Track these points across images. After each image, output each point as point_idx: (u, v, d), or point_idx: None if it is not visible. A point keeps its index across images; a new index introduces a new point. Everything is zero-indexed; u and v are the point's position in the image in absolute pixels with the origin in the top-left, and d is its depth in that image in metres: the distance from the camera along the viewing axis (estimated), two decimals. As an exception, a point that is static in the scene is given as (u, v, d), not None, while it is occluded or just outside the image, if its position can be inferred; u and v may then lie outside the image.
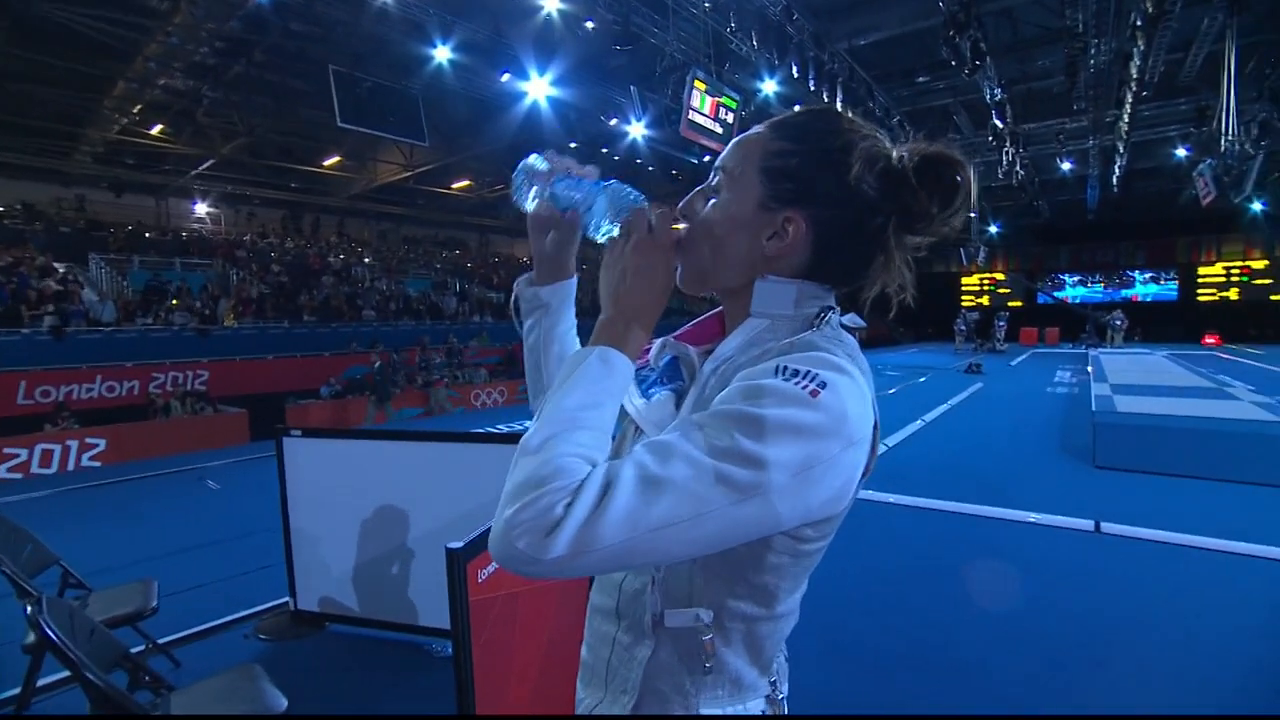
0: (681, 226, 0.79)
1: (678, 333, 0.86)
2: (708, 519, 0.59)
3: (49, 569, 2.32)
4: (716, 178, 0.79)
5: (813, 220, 0.74)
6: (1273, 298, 23.24)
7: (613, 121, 11.65)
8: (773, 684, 0.79)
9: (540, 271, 0.91)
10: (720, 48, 8.88)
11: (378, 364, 11.11)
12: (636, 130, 12.05)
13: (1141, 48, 9.32)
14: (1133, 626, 2.98)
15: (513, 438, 2.67)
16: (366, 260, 19.89)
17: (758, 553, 0.70)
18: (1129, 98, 11.31)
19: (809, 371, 0.64)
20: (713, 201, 0.79)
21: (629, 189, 0.79)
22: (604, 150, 15.00)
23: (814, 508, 0.64)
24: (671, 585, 0.73)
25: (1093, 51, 10.74)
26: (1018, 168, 16.64)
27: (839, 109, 0.84)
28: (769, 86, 10.18)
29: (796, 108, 0.80)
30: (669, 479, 0.59)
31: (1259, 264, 23.62)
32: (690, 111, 7.31)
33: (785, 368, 0.65)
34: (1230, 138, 10.55)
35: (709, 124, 7.68)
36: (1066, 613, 3.13)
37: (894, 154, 0.75)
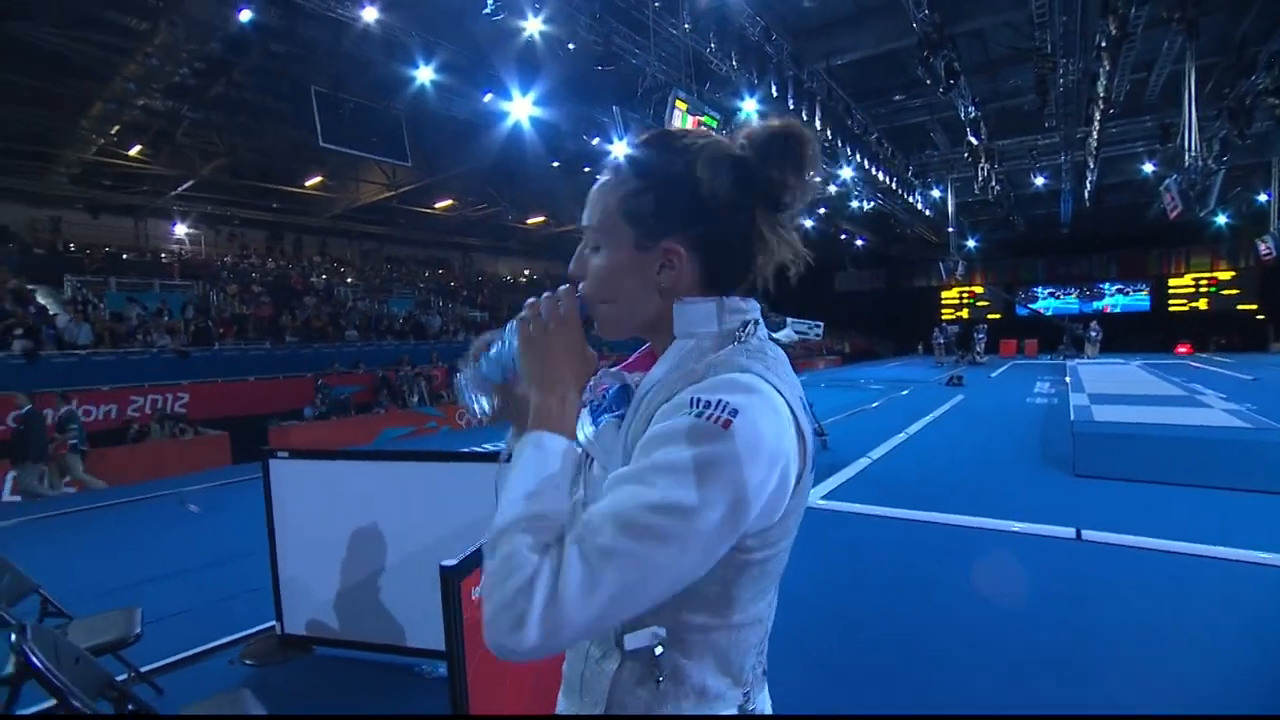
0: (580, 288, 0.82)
1: (625, 362, 0.88)
2: (658, 574, 0.63)
3: (27, 597, 2.28)
4: (588, 236, 0.81)
5: (690, 242, 0.77)
6: (1240, 307, 23.87)
7: (595, 141, 11.77)
8: (745, 694, 0.79)
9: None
10: (700, 67, 9.04)
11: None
12: (619, 149, 12.17)
13: (1107, 67, 9.63)
14: (1116, 631, 3.03)
15: (484, 456, 2.68)
16: (349, 280, 19.78)
17: None
18: (1097, 115, 11.65)
19: (719, 401, 0.66)
20: (594, 243, 0.81)
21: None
22: (586, 169, 15.11)
23: (751, 529, 0.68)
24: None
25: (1061, 71, 11.07)
26: (994, 183, 17.01)
27: (669, 128, 0.85)
28: (749, 105, 10.35)
29: (629, 143, 0.81)
30: (610, 549, 0.62)
31: (1225, 275, 24.30)
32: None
33: (697, 400, 0.67)
34: (1193, 154, 10.90)
35: None
36: (1051, 619, 3.17)
37: (735, 148, 0.77)
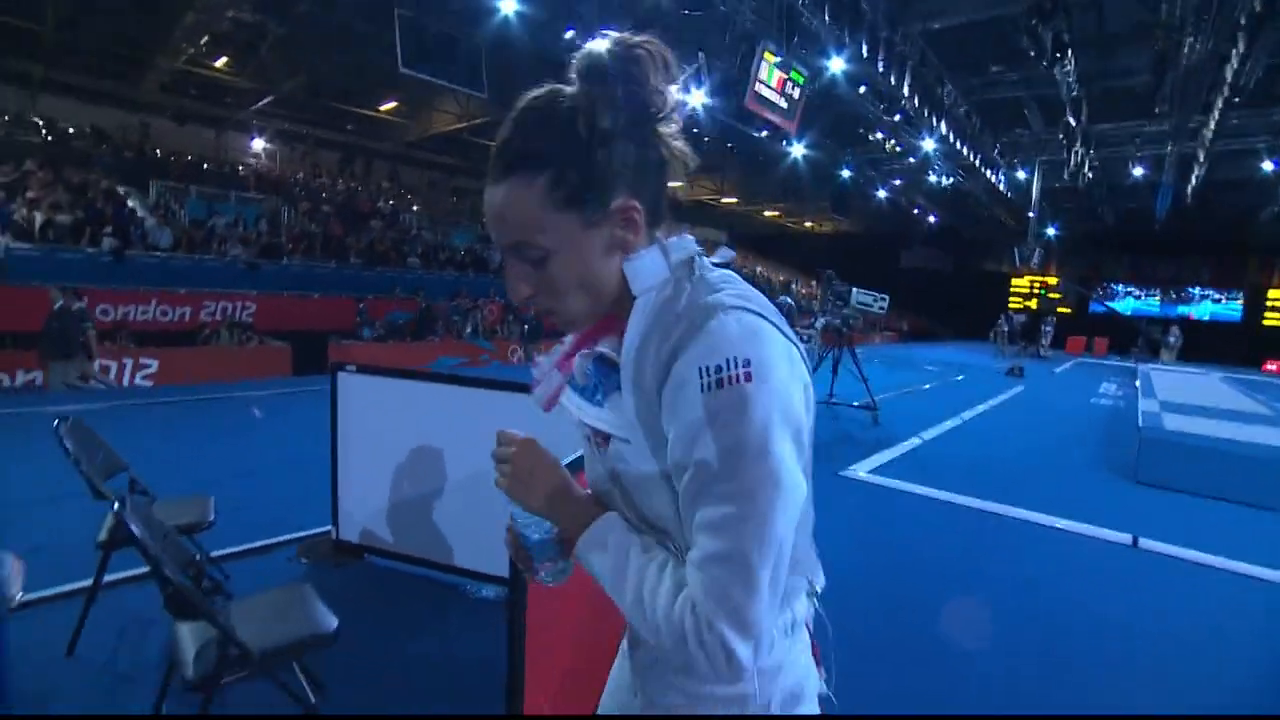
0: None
1: (580, 342, 0.83)
2: (775, 528, 0.66)
3: (117, 475, 2.44)
4: (531, 253, 0.73)
5: (631, 191, 0.73)
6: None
7: (673, 88, 11.46)
8: (809, 580, 0.84)
9: None
10: (790, 20, 8.62)
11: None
12: (697, 98, 11.84)
13: (1241, 49, 8.78)
14: (1165, 642, 2.93)
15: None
16: (415, 208, 20.08)
17: None
18: (1219, 103, 10.71)
19: (726, 360, 0.65)
20: (545, 257, 0.73)
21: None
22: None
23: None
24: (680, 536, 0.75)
25: (1185, 49, 10.14)
26: (1086, 169, 15.97)
27: (532, 94, 0.75)
28: (836, 64, 9.86)
29: (509, 133, 0.73)
30: (734, 548, 0.65)
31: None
32: (757, 84, 7.12)
33: (705, 370, 0.65)
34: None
35: (775, 98, 7.49)
36: (1099, 623, 3.09)
37: (605, 66, 0.71)
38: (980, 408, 9.42)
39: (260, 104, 16.97)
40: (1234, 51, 9.03)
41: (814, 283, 28.11)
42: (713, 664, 0.65)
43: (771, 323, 0.71)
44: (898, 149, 15.63)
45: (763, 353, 0.66)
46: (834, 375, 8.10)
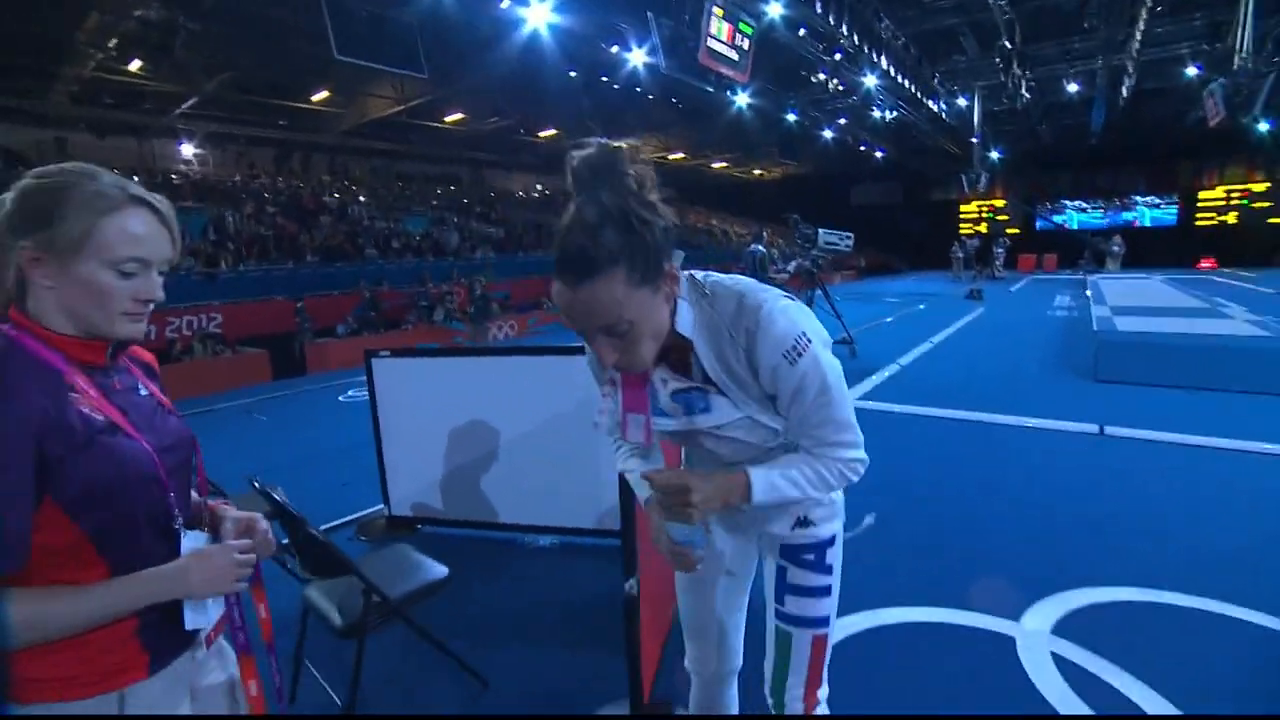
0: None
1: (629, 383, 1.12)
2: (847, 403, 1.11)
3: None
4: (621, 327, 0.94)
5: (668, 253, 0.98)
6: (1270, 221, 23.31)
7: (614, 49, 11.38)
8: None
9: None
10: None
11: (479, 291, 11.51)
12: (638, 57, 11.82)
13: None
14: (1136, 507, 3.32)
15: (568, 349, 2.88)
16: (362, 199, 19.62)
17: None
18: (1143, 13, 11.12)
19: (794, 341, 1.00)
20: (630, 327, 0.95)
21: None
22: (603, 79, 14.68)
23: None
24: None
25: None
26: (1023, 91, 16.39)
27: (575, 207, 0.94)
28: (775, 9, 9.92)
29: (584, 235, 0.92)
30: (842, 418, 1.10)
31: (1260, 186, 23.58)
32: (709, 39, 7.19)
33: (786, 354, 1.00)
34: (1244, 55, 10.46)
35: (726, 51, 7.57)
36: (1078, 499, 3.47)
37: (633, 178, 0.94)
38: (948, 331, 9.89)
39: (184, 107, 16.26)
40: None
41: (767, 232, 28.28)
42: (854, 474, 1.12)
43: (778, 292, 1.06)
44: (840, 88, 15.80)
45: (805, 323, 1.03)
46: None
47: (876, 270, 27.75)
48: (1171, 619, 2.37)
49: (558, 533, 3.05)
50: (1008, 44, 13.08)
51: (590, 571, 2.85)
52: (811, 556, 1.24)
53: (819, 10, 10.11)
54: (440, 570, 1.91)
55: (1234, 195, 24.20)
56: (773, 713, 1.26)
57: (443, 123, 19.70)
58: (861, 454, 1.10)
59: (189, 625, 0.96)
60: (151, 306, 0.97)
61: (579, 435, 2.87)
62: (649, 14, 6.90)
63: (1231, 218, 24.23)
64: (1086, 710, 1.90)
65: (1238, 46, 10.47)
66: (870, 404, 5.61)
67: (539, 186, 26.62)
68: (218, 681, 1.08)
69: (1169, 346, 6.63)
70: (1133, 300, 11.11)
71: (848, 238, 8.76)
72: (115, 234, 0.89)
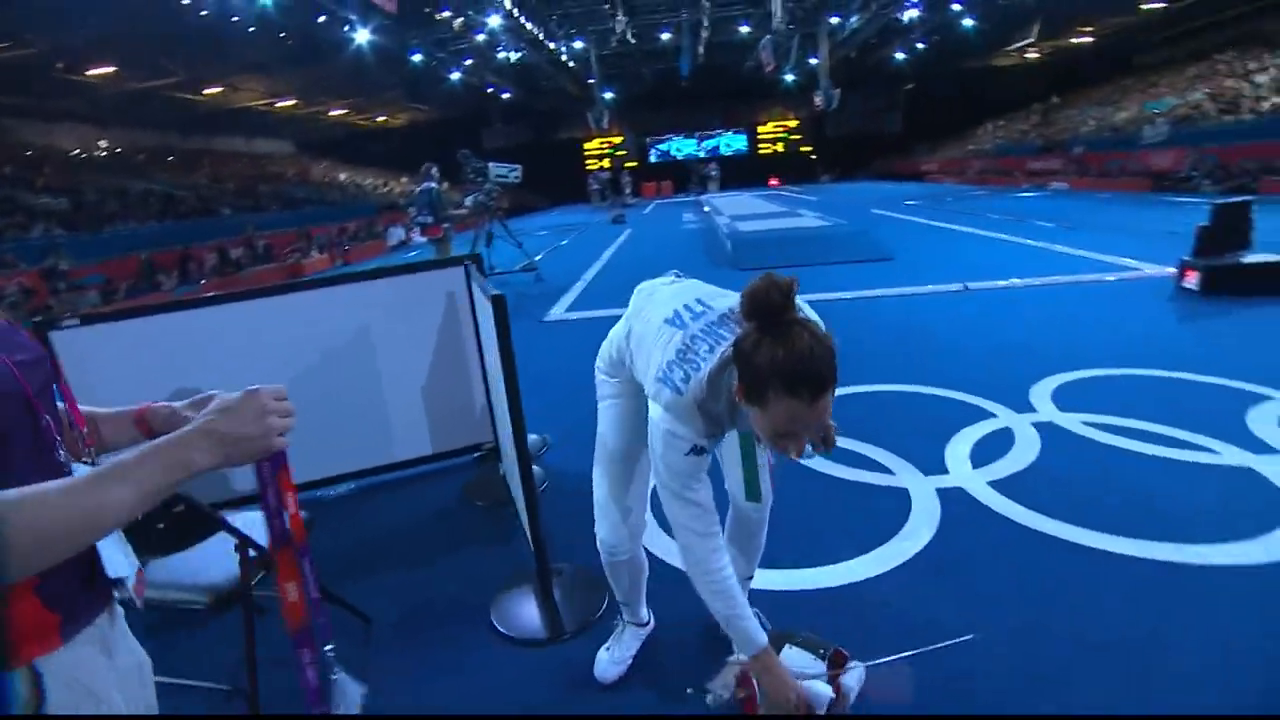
0: None
1: None
2: None
3: None
4: (820, 423, 1.16)
5: None
6: (802, 149, 30.94)
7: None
8: None
9: None
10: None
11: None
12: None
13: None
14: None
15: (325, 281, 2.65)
16: None
17: None
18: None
19: None
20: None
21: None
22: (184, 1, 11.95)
23: None
24: None
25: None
26: (629, 36, 18.41)
27: (818, 337, 1.11)
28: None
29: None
30: None
31: (793, 123, 30.96)
32: None
33: None
34: (778, 19, 13.46)
35: None
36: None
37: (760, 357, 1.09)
38: (611, 250, 11.10)
39: None
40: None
41: (404, 179, 26.72)
42: None
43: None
44: (465, 26, 15.64)
45: None
46: (488, 247, 8.40)
47: (519, 210, 28.73)
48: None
49: (356, 477, 2.84)
50: (613, -9, 14.49)
51: (413, 499, 2.78)
52: None
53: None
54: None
55: (779, 130, 31.36)
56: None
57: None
58: None
59: (111, 571, 0.75)
60: None
61: (355, 371, 2.70)
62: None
63: (780, 147, 31.46)
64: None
65: (772, 12, 13.42)
66: (575, 315, 6.17)
67: (102, 143, 20.60)
68: (128, 665, 0.83)
69: (780, 239, 8.70)
70: (740, 211, 13.91)
71: (515, 169, 9.04)
72: None
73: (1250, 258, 4.79)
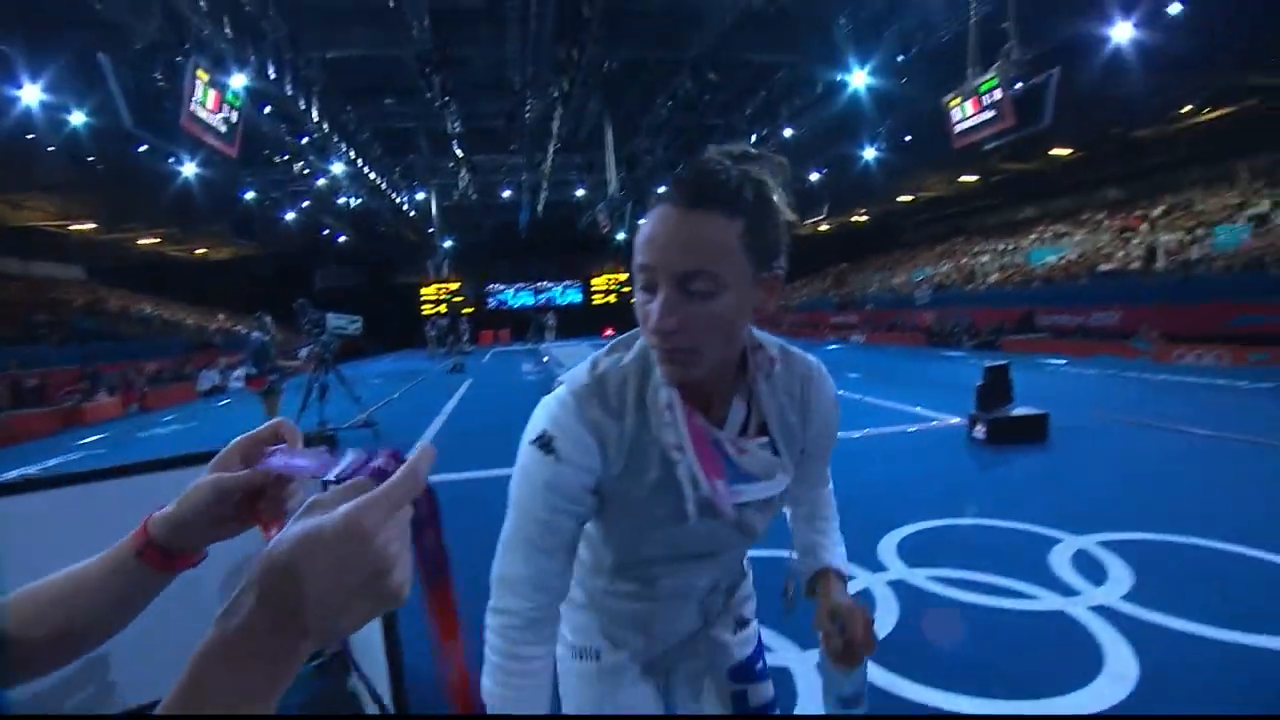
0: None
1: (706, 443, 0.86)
2: None
3: None
4: (691, 284, 0.75)
5: (780, 261, 0.82)
6: (631, 302, 33.53)
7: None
8: None
9: None
10: (184, 27, 7.65)
11: None
12: (31, 95, 9.19)
13: (560, 112, 12.36)
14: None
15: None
16: None
17: None
18: (551, 146, 14.71)
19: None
20: (708, 300, 0.75)
21: None
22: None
23: None
24: None
25: (527, 107, 13.50)
26: (471, 191, 19.26)
27: (721, 150, 0.82)
28: (238, 81, 9.17)
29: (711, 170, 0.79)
30: None
31: (623, 277, 33.64)
32: (192, 104, 6.09)
33: (834, 395, 0.97)
34: (613, 187, 14.99)
35: (213, 120, 6.54)
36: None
37: (772, 177, 0.81)
38: (452, 402, 10.75)
39: None
40: (556, 114, 12.64)
41: (221, 316, 24.66)
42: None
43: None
44: (306, 171, 15.50)
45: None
46: (321, 401, 7.81)
47: (351, 354, 27.20)
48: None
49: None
50: (459, 152, 15.28)
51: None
52: (761, 663, 1.08)
53: (289, 92, 9.87)
54: None
55: (611, 283, 33.82)
56: None
57: None
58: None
59: None
60: None
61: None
62: (101, 55, 5.36)
63: (613, 298, 33.73)
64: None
65: (609, 179, 14.94)
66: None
67: None
68: None
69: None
70: (578, 360, 14.31)
71: (356, 321, 8.73)
72: None
73: (1016, 410, 5.82)
